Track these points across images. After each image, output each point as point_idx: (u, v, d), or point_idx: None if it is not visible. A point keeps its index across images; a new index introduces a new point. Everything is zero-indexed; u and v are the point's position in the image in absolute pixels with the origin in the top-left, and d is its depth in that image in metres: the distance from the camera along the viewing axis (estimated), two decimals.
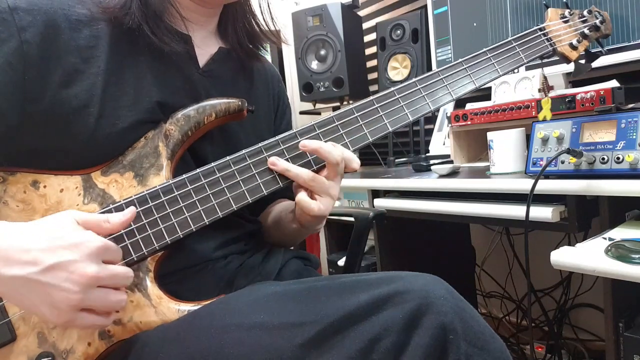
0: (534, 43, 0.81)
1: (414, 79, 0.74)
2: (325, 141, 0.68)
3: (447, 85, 0.75)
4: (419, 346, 0.50)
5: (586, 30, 0.83)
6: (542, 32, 0.82)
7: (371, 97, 0.72)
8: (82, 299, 0.51)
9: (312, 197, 0.68)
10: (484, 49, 0.78)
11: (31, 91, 0.60)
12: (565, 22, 0.84)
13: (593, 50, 0.86)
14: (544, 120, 0.91)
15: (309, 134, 0.69)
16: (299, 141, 0.68)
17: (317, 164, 0.68)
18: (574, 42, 0.82)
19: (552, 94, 1.09)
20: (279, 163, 0.67)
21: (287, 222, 0.79)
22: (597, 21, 0.85)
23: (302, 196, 0.67)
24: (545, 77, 0.92)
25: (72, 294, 0.50)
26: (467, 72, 0.76)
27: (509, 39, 0.80)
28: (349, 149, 0.69)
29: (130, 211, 0.60)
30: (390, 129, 0.71)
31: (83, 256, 0.51)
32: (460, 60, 0.77)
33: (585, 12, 0.86)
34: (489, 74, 0.77)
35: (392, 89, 0.73)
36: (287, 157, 0.68)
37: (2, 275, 0.49)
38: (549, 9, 0.85)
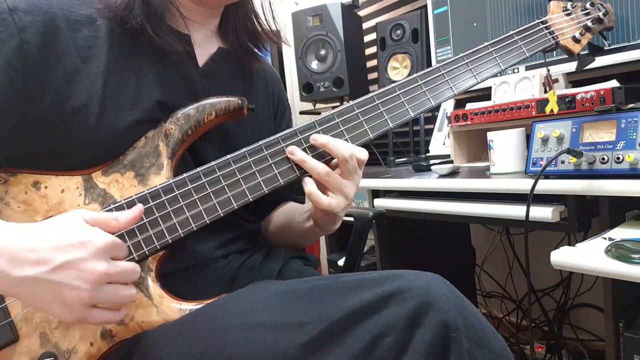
0: (537, 36, 0.80)
1: (414, 75, 0.73)
2: None
3: (448, 80, 0.74)
4: (421, 343, 0.50)
5: (589, 23, 0.82)
6: (545, 26, 0.81)
7: (372, 94, 0.71)
8: (93, 296, 0.52)
9: (324, 193, 0.67)
10: (486, 43, 0.77)
11: (31, 91, 0.60)
12: (568, 14, 0.83)
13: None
14: (551, 113, 0.90)
15: (310, 131, 0.68)
16: (300, 138, 0.68)
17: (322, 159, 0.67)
18: (577, 35, 0.81)
19: None
20: (297, 153, 0.66)
21: (301, 221, 0.79)
22: (600, 13, 0.83)
23: (312, 188, 0.66)
24: (548, 70, 0.89)
25: (83, 291, 0.51)
26: (468, 67, 0.75)
27: (511, 32, 0.79)
28: None
29: (138, 208, 0.60)
30: (391, 125, 0.71)
31: (91, 254, 0.52)
32: (461, 55, 0.76)
33: (587, 5, 0.84)
34: (490, 68, 0.76)
35: (393, 85, 0.72)
36: None
37: (13, 276, 0.49)
38: (551, 2, 0.84)
